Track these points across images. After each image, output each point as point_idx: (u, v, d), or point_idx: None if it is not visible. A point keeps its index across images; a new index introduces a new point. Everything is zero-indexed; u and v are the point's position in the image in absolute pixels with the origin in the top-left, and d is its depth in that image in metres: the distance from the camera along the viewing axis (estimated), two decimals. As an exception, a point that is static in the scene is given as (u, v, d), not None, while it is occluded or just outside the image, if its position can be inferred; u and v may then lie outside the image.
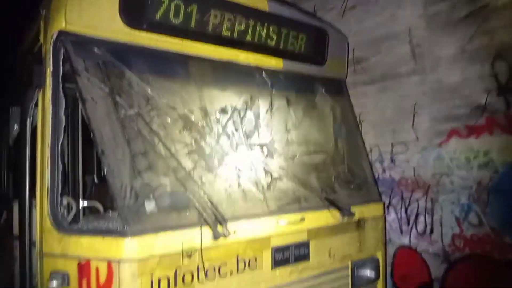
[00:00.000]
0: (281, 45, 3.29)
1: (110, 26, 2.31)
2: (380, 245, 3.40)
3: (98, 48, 2.29)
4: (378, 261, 3.34)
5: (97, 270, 1.98)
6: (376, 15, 4.47)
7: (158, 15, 2.50)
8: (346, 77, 4.16)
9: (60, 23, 2.17)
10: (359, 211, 3.10)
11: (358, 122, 4.45)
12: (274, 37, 3.23)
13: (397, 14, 4.28)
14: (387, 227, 4.25)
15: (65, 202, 2.09)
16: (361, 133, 3.96)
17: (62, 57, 2.19)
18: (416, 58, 4.14)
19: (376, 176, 4.34)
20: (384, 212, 3.52)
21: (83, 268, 2.01)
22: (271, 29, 3.19)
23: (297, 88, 3.48)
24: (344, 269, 3.03)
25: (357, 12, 4.66)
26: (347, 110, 3.86)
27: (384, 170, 4.52)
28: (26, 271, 2.24)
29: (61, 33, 2.18)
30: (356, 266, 3.12)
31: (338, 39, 3.87)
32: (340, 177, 3.28)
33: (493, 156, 3.52)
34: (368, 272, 3.21)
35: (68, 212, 2.10)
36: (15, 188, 2.79)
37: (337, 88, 3.88)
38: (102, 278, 1.96)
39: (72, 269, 2.04)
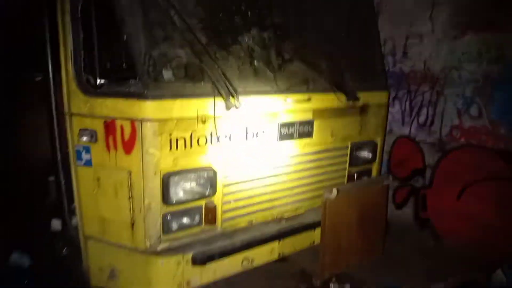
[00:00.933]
0: None
1: None
2: (379, 131, 3.60)
3: None
4: (376, 145, 3.58)
5: (121, 127, 2.21)
6: None
7: None
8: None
9: None
10: (364, 96, 3.23)
11: (376, 11, 4.31)
12: None
13: None
14: (390, 118, 4.43)
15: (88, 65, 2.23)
16: (377, 24, 3.87)
17: None
18: None
19: (387, 69, 4.38)
20: (388, 101, 3.65)
21: (109, 126, 2.24)
22: None
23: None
24: (343, 149, 3.29)
25: None
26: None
27: (395, 64, 4.54)
28: (55, 129, 2.50)
29: None
30: (355, 147, 3.37)
31: None
32: (350, 64, 3.32)
33: (506, 51, 3.50)
34: (365, 154, 3.48)
35: (93, 76, 2.25)
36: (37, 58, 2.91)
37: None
38: (126, 135, 2.20)
39: (99, 127, 2.28)
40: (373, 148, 3.55)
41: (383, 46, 4.39)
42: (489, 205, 3.64)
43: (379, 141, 3.64)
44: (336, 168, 3.27)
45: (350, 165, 3.39)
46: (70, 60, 2.27)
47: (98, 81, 2.24)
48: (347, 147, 3.31)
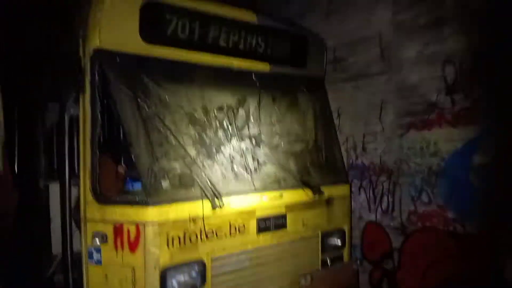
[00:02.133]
0: (268, 51, 3.93)
1: (132, 42, 2.95)
2: (346, 219, 4.15)
3: (123, 60, 2.92)
4: (344, 232, 4.09)
5: (128, 230, 2.68)
6: (352, 20, 5.12)
7: (169, 32, 3.14)
8: (325, 75, 4.82)
9: (96, 42, 2.82)
10: (328, 190, 3.83)
11: (337, 115, 5.14)
12: (262, 44, 3.87)
13: (370, 20, 4.94)
14: (359, 205, 5.01)
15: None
16: (335, 125, 4.65)
17: (97, 68, 2.84)
18: (385, 60, 4.83)
19: (350, 162, 5.08)
20: (350, 193, 4.26)
21: (118, 229, 2.71)
22: (259, 38, 3.82)
23: (281, 87, 4.13)
24: (315, 237, 3.79)
25: (338, 15, 5.29)
26: (324, 105, 4.53)
27: (357, 157, 5.23)
28: (67, 232, 2.93)
29: (96, 50, 2.82)
30: (325, 235, 3.87)
31: (317, 43, 4.51)
32: (314, 162, 3.99)
33: (441, 146, 4.26)
34: (335, 241, 3.97)
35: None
36: (52, 170, 3.44)
37: (316, 86, 4.53)
38: (132, 236, 2.67)
39: (109, 230, 2.74)
40: (342, 235, 4.05)
41: (345, 143, 5.15)
42: (446, 283, 4.07)
43: (346, 228, 4.16)
44: (309, 255, 3.72)
45: (322, 252, 3.85)
46: (88, 176, 2.81)
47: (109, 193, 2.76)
48: (318, 236, 3.81)
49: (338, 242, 4.00)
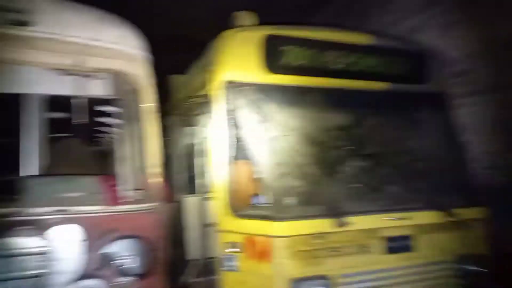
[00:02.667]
0: (385, 71, 3.93)
1: (257, 73, 3.32)
2: (483, 244, 3.75)
3: (249, 89, 3.30)
4: (482, 258, 3.69)
5: (258, 242, 2.93)
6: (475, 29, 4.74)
7: (289, 60, 3.45)
8: (447, 90, 4.54)
9: (224, 75, 3.26)
10: (461, 213, 3.55)
11: (466, 130, 4.74)
12: (379, 64, 3.90)
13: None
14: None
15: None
16: (462, 142, 4.33)
17: (226, 97, 3.25)
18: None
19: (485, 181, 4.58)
20: (486, 215, 3.86)
21: (249, 240, 2.98)
22: (375, 58, 3.87)
23: (400, 105, 4.05)
24: (447, 262, 3.51)
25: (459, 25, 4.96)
26: (448, 121, 4.27)
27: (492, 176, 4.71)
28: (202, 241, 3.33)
29: (225, 82, 3.26)
30: (460, 260, 3.55)
31: (434, 58, 4.33)
32: (441, 182, 3.75)
33: None
34: (472, 267, 3.61)
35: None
36: (188, 184, 3.99)
37: (438, 102, 4.30)
38: (263, 248, 2.90)
39: (242, 241, 3.03)
40: (479, 261, 3.66)
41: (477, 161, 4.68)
42: None
43: (484, 254, 3.74)
44: (441, 280, 3.46)
45: (456, 277, 3.53)
46: (221, 191, 3.18)
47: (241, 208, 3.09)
48: (451, 261, 3.52)
49: (476, 268, 3.62)
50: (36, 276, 2.40)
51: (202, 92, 3.57)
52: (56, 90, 3.08)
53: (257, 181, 3.18)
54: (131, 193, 2.93)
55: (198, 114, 3.63)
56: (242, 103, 3.22)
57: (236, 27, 3.58)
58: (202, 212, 3.59)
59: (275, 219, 2.88)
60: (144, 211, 2.79)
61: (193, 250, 3.70)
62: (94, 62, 3.00)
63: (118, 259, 2.60)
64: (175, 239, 3.85)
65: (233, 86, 3.27)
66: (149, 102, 3.11)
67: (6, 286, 2.32)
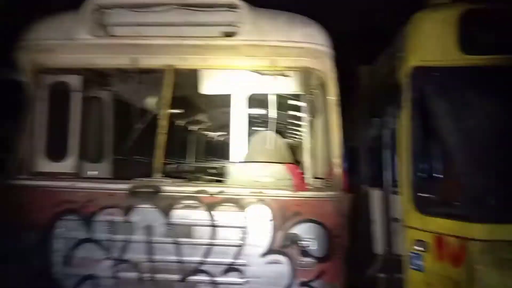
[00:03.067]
0: None
1: (449, 56, 2.93)
2: None
3: (441, 74, 2.94)
4: None
5: (449, 243, 2.61)
6: None
7: (488, 39, 2.89)
8: None
9: (414, 60, 3.01)
10: None
11: None
12: None
13: None
14: None
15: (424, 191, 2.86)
16: None
17: (416, 84, 3.00)
18: None
19: None
20: None
21: (439, 240, 2.69)
22: None
23: None
24: None
25: None
26: None
27: None
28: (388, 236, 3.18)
29: (415, 67, 3.00)
30: None
31: None
32: None
33: None
34: None
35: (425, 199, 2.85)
36: (373, 177, 3.87)
37: None
38: (454, 250, 2.57)
39: (429, 240, 2.76)
40: None
41: None
42: None
43: None
44: None
45: None
46: (408, 186, 2.97)
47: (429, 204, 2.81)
48: None
49: None
50: (235, 245, 2.87)
51: (391, 81, 3.42)
52: (255, 89, 3.56)
53: (450, 176, 2.80)
54: (315, 182, 3.12)
55: (387, 104, 3.50)
56: (434, 90, 2.91)
57: (428, 7, 3.25)
58: (389, 206, 3.43)
59: (472, 220, 2.51)
60: (326, 199, 2.91)
61: (378, 244, 3.59)
62: (286, 62, 3.32)
63: (300, 241, 2.82)
64: (360, 232, 3.83)
65: (425, 72, 2.99)
66: (332, 96, 3.21)
67: (212, 251, 2.86)
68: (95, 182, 3.26)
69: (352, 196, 3.09)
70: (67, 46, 3.27)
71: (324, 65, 3.22)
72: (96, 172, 4.03)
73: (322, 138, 3.31)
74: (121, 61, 3.36)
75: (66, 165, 3.54)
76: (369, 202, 3.89)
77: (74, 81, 3.61)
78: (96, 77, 3.90)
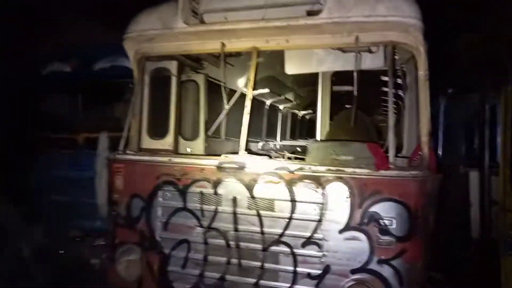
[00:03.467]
0: None
1: None
2: None
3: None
4: None
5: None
6: None
7: None
8: None
9: None
10: None
11: None
12: None
13: None
14: None
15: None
16: None
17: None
18: None
19: None
20: None
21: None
22: None
23: None
24: None
25: None
26: None
27: None
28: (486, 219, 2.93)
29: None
30: None
31: None
32: None
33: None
34: None
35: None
36: (472, 157, 3.56)
37: None
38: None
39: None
40: None
41: None
42: None
43: None
44: None
45: None
46: (508, 166, 2.70)
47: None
48: None
49: None
50: (313, 220, 2.96)
51: (494, 51, 3.09)
52: (340, 67, 3.53)
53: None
54: (399, 161, 3.01)
55: (489, 77, 3.17)
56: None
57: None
58: (487, 188, 3.15)
59: None
60: (409, 178, 2.81)
61: (474, 227, 3.34)
62: (371, 37, 3.22)
63: (380, 219, 2.79)
64: (456, 214, 3.59)
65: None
66: (422, 70, 3.03)
67: (291, 224, 2.99)
68: (189, 158, 3.61)
69: (442, 176, 2.91)
70: (165, 35, 3.62)
71: (412, 38, 3.04)
72: (189, 150, 4.43)
73: (410, 116, 3.16)
74: (211, 46, 3.61)
75: (166, 142, 3.98)
76: (466, 183, 3.61)
77: (171, 66, 3.99)
78: (190, 61, 4.25)
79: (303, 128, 7.64)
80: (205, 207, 3.28)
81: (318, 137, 3.82)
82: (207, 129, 4.80)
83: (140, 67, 3.93)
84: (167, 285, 3.37)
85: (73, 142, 6.00)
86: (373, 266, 2.83)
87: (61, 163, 5.85)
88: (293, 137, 6.58)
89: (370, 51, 3.34)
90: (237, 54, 3.73)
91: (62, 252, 4.78)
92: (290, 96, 6.46)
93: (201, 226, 3.28)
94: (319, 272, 2.95)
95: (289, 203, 3.02)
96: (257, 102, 3.67)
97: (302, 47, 3.47)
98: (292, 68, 3.61)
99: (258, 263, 3.11)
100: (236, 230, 3.17)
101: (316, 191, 2.95)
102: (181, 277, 3.34)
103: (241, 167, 3.16)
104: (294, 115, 7.79)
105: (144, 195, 3.47)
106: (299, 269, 3.00)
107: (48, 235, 4.79)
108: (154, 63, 3.99)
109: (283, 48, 3.49)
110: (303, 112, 7.90)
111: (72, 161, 5.80)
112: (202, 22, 3.59)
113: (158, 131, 4.01)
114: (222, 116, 3.96)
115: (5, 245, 4.29)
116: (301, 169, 3.03)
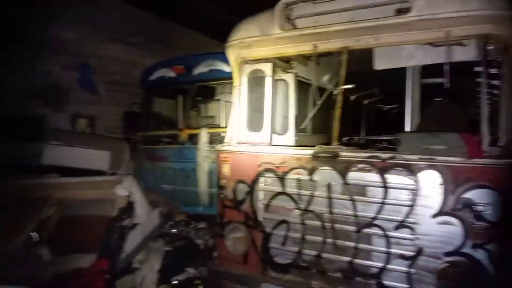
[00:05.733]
0: None
1: None
2: None
3: None
4: None
5: None
6: None
7: None
8: None
9: None
10: None
11: None
12: None
13: None
14: None
15: None
16: None
17: None
18: None
19: None
20: None
21: None
22: None
23: None
24: None
25: None
26: None
27: None
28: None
29: None
30: None
31: None
32: None
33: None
34: None
35: None
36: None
37: None
38: None
39: None
40: None
41: None
42: None
43: None
44: None
45: None
46: None
47: None
48: None
49: None
50: (406, 205, 3.18)
51: None
52: (429, 60, 3.66)
53: None
54: (493, 149, 3.10)
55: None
56: None
57: None
58: None
59: None
60: (503, 166, 2.90)
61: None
62: (462, 31, 3.32)
63: (473, 205, 2.93)
64: None
65: None
66: (514, 62, 3.07)
67: (384, 208, 3.25)
68: (287, 149, 4.05)
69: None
70: (262, 41, 4.09)
71: (506, 29, 3.10)
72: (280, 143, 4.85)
73: (507, 107, 3.21)
74: (304, 48, 3.99)
75: (261, 136, 4.46)
76: None
77: (266, 68, 4.46)
78: (282, 63, 4.68)
79: (388, 123, 7.67)
80: (302, 192, 3.67)
81: (407, 129, 3.99)
82: (296, 124, 5.21)
83: (239, 70, 4.45)
84: (269, 259, 3.84)
85: (178, 137, 6.85)
86: (467, 250, 2.98)
87: (169, 156, 6.73)
88: (377, 132, 6.69)
89: (461, 44, 3.43)
90: (328, 54, 4.05)
91: (175, 231, 5.57)
92: (374, 90, 6.59)
93: (298, 208, 3.69)
94: (412, 253, 3.17)
95: (382, 189, 3.28)
96: (346, 98, 3.95)
97: (391, 44, 3.68)
98: (381, 63, 3.82)
99: (352, 244, 3.43)
100: (330, 213, 3.52)
101: (408, 178, 3.17)
102: (281, 253, 3.79)
103: (335, 156, 3.50)
104: (378, 110, 7.86)
105: (248, 181, 3.98)
106: (392, 250, 3.25)
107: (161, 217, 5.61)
108: (251, 66, 4.48)
109: (373, 46, 3.73)
110: (388, 106, 7.93)
111: (178, 154, 6.63)
112: (295, 27, 3.98)
113: (254, 125, 4.50)
114: (313, 111, 4.32)
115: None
116: (393, 157, 3.27)
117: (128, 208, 5.04)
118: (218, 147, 4.33)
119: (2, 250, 4.46)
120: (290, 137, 5.27)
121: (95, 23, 8.88)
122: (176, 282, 4.89)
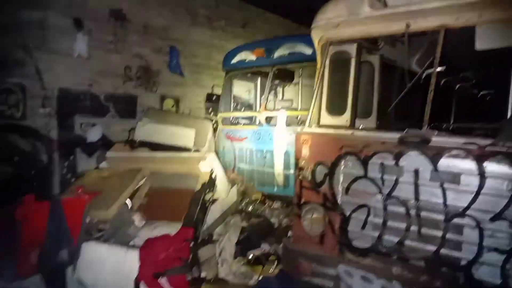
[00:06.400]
0: None
1: None
2: None
3: None
4: None
5: None
6: None
7: None
8: None
9: None
10: None
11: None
12: None
13: None
14: None
15: None
16: None
17: None
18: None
19: None
20: None
21: None
22: None
23: None
24: None
25: None
26: None
27: None
28: None
29: None
30: None
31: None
32: None
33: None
34: None
35: None
36: None
37: None
38: None
39: None
40: None
41: None
42: None
43: None
44: None
45: None
46: None
47: None
48: None
49: None
50: (505, 196, 2.93)
51: None
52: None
53: None
54: None
55: None
56: None
57: None
58: None
59: None
60: None
61: None
62: None
63: None
64: None
65: None
66: None
67: (478, 198, 3.03)
68: (370, 132, 3.94)
69: None
70: (349, 21, 3.98)
71: None
72: (361, 127, 4.74)
73: None
74: (395, 27, 3.81)
75: (343, 119, 4.38)
76: None
77: (351, 49, 4.34)
78: (368, 44, 4.52)
79: (482, 109, 7.04)
80: (386, 177, 3.56)
81: (509, 115, 3.65)
82: (380, 107, 5.03)
83: (323, 52, 4.39)
84: (347, 242, 3.82)
85: (256, 119, 7.01)
86: None
87: (247, 136, 6.94)
88: (468, 118, 6.18)
89: None
90: (422, 34, 3.82)
91: (251, 209, 5.78)
92: (468, 74, 6.06)
93: (381, 193, 3.59)
94: (510, 248, 2.93)
95: (478, 178, 3.06)
96: (427, 82, 3.68)
97: (497, 21, 3.36)
98: (484, 43, 3.52)
99: (439, 233, 3.26)
100: (417, 199, 3.37)
101: (509, 168, 2.92)
102: (360, 236, 3.74)
103: (426, 141, 3.33)
104: (470, 95, 7.23)
105: (327, 163, 3.96)
106: (485, 243, 3.04)
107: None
108: (335, 47, 4.39)
109: (475, 24, 3.44)
110: (483, 92, 7.25)
111: (255, 135, 6.80)
112: (386, 5, 3.80)
113: (336, 108, 4.43)
114: (402, 94, 4.13)
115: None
116: (493, 144, 3.02)
117: (210, 184, 5.33)
118: (298, 129, 4.35)
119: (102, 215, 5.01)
120: (372, 120, 5.11)
121: (181, 9, 9.35)
122: (252, 256, 5.09)
